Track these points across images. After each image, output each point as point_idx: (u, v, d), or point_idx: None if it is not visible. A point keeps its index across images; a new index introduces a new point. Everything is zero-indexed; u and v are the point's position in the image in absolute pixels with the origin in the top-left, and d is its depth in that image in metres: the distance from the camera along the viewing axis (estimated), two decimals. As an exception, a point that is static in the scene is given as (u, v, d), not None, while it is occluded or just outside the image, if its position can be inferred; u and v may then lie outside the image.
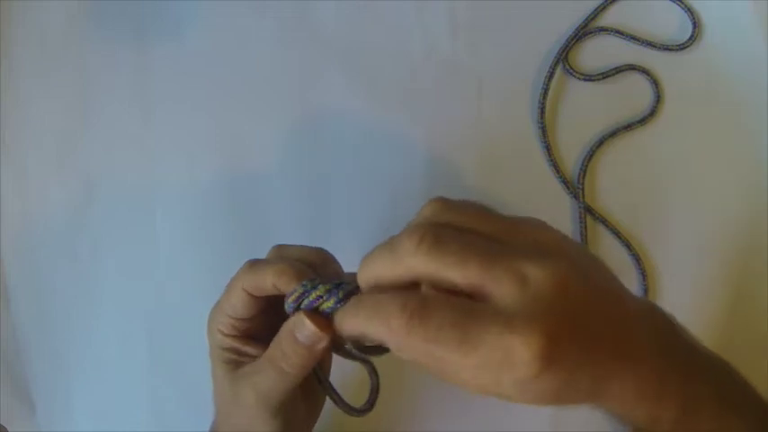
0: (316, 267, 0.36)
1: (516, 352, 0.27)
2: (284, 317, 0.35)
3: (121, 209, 0.51)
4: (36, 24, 0.54)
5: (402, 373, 0.48)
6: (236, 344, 0.37)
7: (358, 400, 0.37)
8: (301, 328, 0.33)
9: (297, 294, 0.33)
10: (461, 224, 0.31)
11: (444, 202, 0.32)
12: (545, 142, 0.52)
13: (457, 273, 0.29)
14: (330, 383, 0.37)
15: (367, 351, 0.35)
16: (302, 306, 0.33)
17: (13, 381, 0.49)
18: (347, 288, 0.33)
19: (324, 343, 0.33)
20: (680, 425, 0.33)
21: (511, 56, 0.53)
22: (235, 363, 0.37)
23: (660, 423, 0.33)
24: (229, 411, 0.37)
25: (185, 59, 0.53)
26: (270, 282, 0.34)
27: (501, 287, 0.28)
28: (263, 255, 0.50)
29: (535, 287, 0.28)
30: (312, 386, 0.38)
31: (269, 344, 0.36)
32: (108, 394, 0.49)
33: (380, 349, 0.34)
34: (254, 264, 0.36)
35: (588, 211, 0.51)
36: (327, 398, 0.38)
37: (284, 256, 0.37)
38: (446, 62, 0.53)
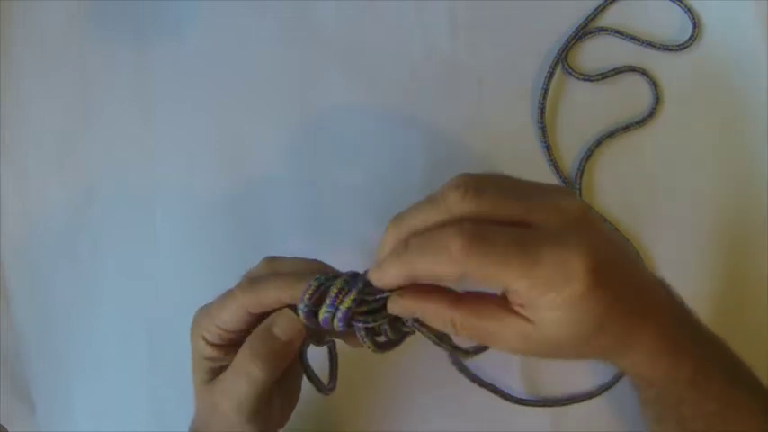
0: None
1: (571, 265, 0.30)
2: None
3: (121, 209, 0.51)
4: (36, 24, 0.54)
5: (402, 374, 0.48)
6: (218, 353, 0.37)
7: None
8: (279, 321, 0.34)
9: (311, 291, 0.34)
10: (495, 184, 0.33)
11: (470, 174, 0.34)
12: (545, 142, 0.52)
13: (502, 210, 0.31)
14: (308, 361, 0.37)
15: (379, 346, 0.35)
16: (329, 300, 0.33)
17: (13, 381, 0.49)
18: (364, 279, 0.33)
19: (299, 337, 0.35)
20: (694, 387, 0.35)
21: (511, 56, 0.53)
22: (214, 371, 0.37)
23: (676, 383, 0.35)
24: (208, 419, 0.37)
25: (185, 59, 0.53)
26: (274, 298, 0.35)
27: (544, 216, 0.31)
28: (262, 254, 0.50)
29: (573, 216, 0.32)
30: (287, 375, 0.38)
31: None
32: (108, 394, 0.49)
33: (385, 345, 0.35)
34: (254, 281, 0.36)
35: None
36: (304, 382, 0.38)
37: (279, 271, 0.37)
38: (446, 62, 0.53)
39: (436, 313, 0.33)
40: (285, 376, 0.37)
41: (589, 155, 0.52)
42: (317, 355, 0.38)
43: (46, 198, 0.52)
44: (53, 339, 0.50)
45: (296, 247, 0.51)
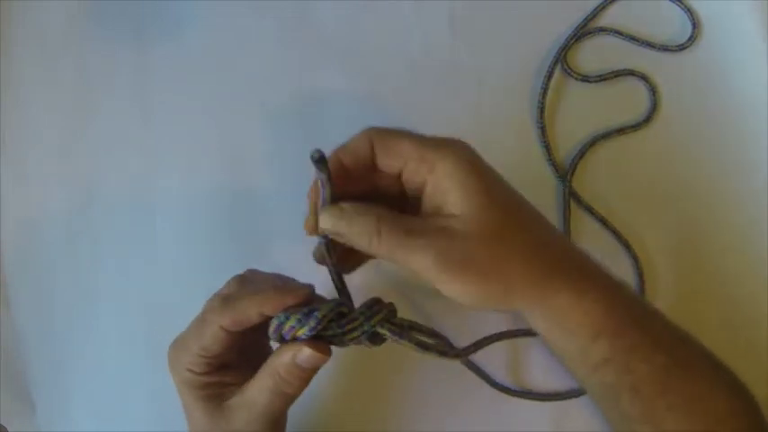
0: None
1: (467, 156, 0.36)
2: (248, 338, 0.37)
3: (121, 209, 0.51)
4: (36, 24, 0.54)
5: (402, 374, 0.48)
6: (214, 378, 0.37)
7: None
8: (301, 356, 0.35)
9: (274, 326, 0.35)
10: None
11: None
12: (544, 142, 0.52)
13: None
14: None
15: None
16: (283, 333, 0.35)
17: (13, 381, 0.49)
18: (319, 315, 0.35)
19: (325, 361, 0.35)
20: (643, 336, 0.36)
21: (510, 55, 0.53)
22: (217, 396, 0.37)
23: (627, 331, 0.36)
24: None
25: (185, 59, 0.53)
26: (255, 313, 0.35)
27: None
28: (262, 254, 0.50)
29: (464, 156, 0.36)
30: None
31: (239, 365, 0.37)
32: (108, 394, 0.49)
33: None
34: (227, 299, 0.36)
35: (590, 212, 0.51)
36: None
37: (257, 287, 0.38)
38: (445, 62, 0.53)
39: (360, 210, 0.35)
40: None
41: (582, 154, 0.52)
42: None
43: (46, 198, 0.52)
44: (53, 339, 0.50)
45: (295, 247, 0.50)
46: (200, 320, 0.37)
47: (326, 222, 0.36)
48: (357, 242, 0.35)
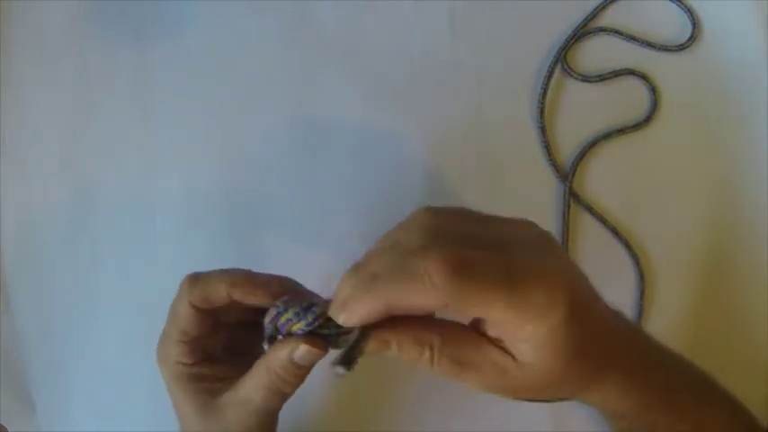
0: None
1: (555, 293, 0.29)
2: (234, 333, 0.37)
3: (121, 209, 0.51)
4: (36, 24, 0.54)
5: (402, 373, 0.48)
6: (204, 369, 0.37)
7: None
8: (298, 353, 0.34)
9: (272, 315, 0.35)
10: (458, 230, 0.31)
11: (434, 212, 0.32)
12: (544, 142, 0.52)
13: (472, 229, 0.31)
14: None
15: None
16: (279, 325, 0.35)
17: (13, 381, 0.49)
18: (315, 312, 0.34)
19: (321, 357, 0.34)
20: (665, 410, 0.36)
21: (510, 55, 0.53)
22: (208, 391, 0.37)
23: (649, 410, 0.35)
24: None
25: (185, 59, 0.53)
26: (222, 289, 0.35)
27: (514, 240, 0.31)
28: (261, 254, 0.50)
29: (543, 242, 0.32)
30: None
31: (228, 361, 0.37)
32: (108, 394, 0.49)
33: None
34: (196, 278, 0.36)
35: (590, 212, 0.51)
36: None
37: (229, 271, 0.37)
38: (445, 62, 0.53)
39: (416, 340, 0.31)
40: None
41: (583, 155, 0.52)
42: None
43: (46, 198, 0.52)
44: (53, 339, 0.50)
45: (295, 246, 0.51)
46: (173, 305, 0.37)
47: (374, 347, 0.32)
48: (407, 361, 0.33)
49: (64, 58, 0.53)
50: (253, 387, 0.35)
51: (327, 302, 0.35)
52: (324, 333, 0.35)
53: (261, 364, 0.35)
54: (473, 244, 0.29)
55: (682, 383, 0.37)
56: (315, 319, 0.34)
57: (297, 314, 0.34)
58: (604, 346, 0.33)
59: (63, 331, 0.50)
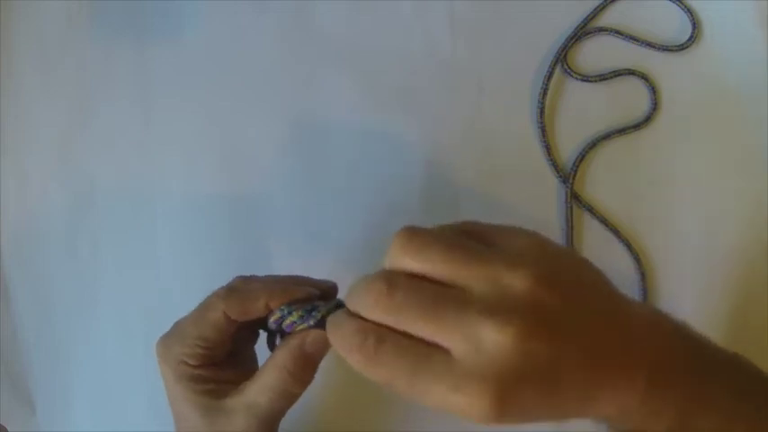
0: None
1: (465, 409, 0.28)
2: (238, 343, 0.37)
3: (121, 209, 0.51)
4: (36, 24, 0.54)
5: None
6: (209, 372, 0.36)
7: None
8: (309, 339, 0.35)
9: (277, 316, 0.36)
10: (421, 267, 0.30)
11: (408, 241, 0.31)
12: (544, 142, 0.52)
13: (412, 329, 0.29)
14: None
15: None
16: (284, 326, 0.36)
17: (13, 381, 0.49)
18: (318, 315, 0.35)
19: (329, 347, 0.35)
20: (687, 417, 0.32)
21: (510, 55, 0.53)
22: (212, 393, 0.36)
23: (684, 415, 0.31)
24: None
25: (185, 59, 0.53)
26: (262, 303, 0.36)
27: (454, 345, 0.28)
28: (261, 254, 0.50)
29: (489, 348, 0.28)
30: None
31: (229, 363, 0.37)
32: (108, 394, 0.49)
33: None
34: (234, 289, 0.37)
35: (590, 212, 0.51)
36: None
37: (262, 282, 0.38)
38: (446, 62, 0.53)
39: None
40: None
41: (583, 156, 0.52)
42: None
43: (46, 198, 0.52)
44: (53, 338, 0.50)
45: (294, 247, 0.51)
46: (203, 307, 0.36)
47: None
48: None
49: (64, 58, 0.53)
50: (259, 389, 0.35)
51: (330, 304, 0.36)
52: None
53: (268, 366, 0.36)
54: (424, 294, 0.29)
55: (717, 383, 0.33)
56: (317, 323, 0.35)
57: (302, 316, 0.35)
58: (606, 360, 0.30)
59: (63, 331, 0.50)
